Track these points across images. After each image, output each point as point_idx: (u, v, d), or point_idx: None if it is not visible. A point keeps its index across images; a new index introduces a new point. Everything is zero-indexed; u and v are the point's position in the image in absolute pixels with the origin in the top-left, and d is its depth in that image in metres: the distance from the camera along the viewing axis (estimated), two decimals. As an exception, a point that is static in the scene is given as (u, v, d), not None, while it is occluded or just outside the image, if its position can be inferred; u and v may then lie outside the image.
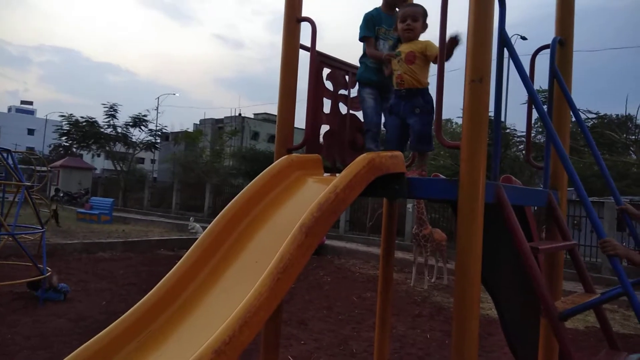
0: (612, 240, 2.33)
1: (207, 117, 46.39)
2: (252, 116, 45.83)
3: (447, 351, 5.78)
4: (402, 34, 2.84)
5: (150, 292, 2.03)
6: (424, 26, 2.81)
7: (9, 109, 71.84)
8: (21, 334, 5.51)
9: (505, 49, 2.43)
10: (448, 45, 2.35)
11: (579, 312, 2.29)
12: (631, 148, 16.55)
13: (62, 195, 26.49)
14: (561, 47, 3.02)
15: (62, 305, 6.83)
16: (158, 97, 64.50)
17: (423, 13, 2.81)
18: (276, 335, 2.82)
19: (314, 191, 2.40)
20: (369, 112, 3.06)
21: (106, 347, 1.83)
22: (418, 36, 2.81)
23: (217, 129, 40.47)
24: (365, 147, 3.08)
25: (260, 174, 2.52)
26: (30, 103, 77.36)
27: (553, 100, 2.92)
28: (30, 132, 64.06)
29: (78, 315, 6.37)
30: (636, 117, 15.13)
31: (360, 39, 3.13)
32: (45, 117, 56.86)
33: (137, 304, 1.99)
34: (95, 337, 1.86)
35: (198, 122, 45.39)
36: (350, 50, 3.26)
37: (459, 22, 2.37)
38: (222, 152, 28.36)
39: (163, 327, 1.93)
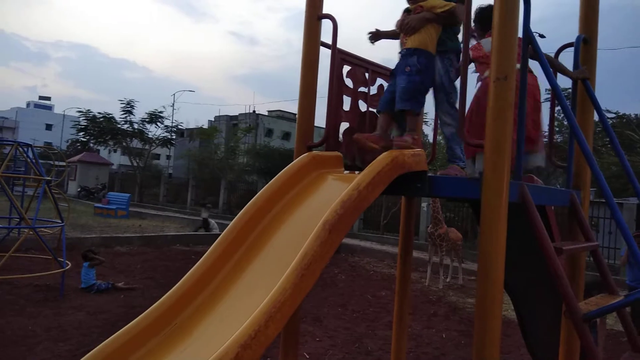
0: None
1: (221, 113, 46.65)
2: (266, 113, 45.95)
3: (463, 351, 5.75)
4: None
5: (175, 286, 2.06)
6: None
7: (28, 104, 72.83)
8: (41, 325, 5.61)
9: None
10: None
11: (603, 314, 2.27)
12: (651, 148, 16.27)
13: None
14: (585, 45, 2.98)
15: (81, 298, 6.94)
16: (174, 94, 64.91)
17: None
18: (295, 331, 2.84)
19: (335, 189, 2.41)
20: None
21: (133, 340, 1.86)
22: None
23: (232, 125, 40.64)
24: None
25: (282, 171, 2.53)
26: (48, 99, 78.25)
27: (577, 100, 2.89)
28: (48, 127, 64.88)
29: (97, 308, 6.47)
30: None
31: None
32: (63, 113, 57.57)
33: (162, 298, 2.02)
34: (121, 329, 1.89)
35: (213, 119, 45.64)
36: (365, 44, 3.25)
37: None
38: (237, 148, 28.46)
39: (187, 321, 1.96)
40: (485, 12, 3.11)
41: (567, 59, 3.09)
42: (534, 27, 2.38)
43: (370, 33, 3.07)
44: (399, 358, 3.62)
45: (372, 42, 3.15)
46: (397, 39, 2.96)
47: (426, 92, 2.79)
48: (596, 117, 3.07)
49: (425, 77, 2.73)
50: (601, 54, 3.11)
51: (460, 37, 2.91)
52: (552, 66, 2.63)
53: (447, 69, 2.85)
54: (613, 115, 17.76)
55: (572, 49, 2.99)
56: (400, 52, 2.87)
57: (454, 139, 2.83)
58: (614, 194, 2.53)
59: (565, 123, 15.53)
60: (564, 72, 2.93)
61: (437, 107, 2.90)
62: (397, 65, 2.87)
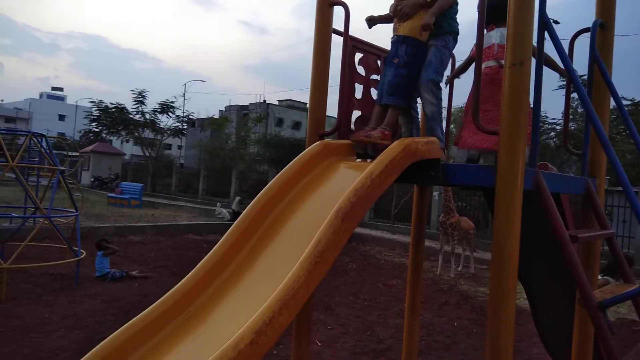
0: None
1: (232, 103, 46.74)
2: (276, 103, 45.94)
3: (475, 339, 5.75)
4: None
5: (189, 274, 2.07)
6: None
7: (41, 95, 73.48)
8: (57, 313, 5.71)
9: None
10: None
11: (618, 302, 2.25)
12: (667, 136, 15.99)
13: (94, 180, 27.08)
14: (602, 30, 2.92)
15: (95, 286, 7.04)
16: (185, 84, 65.38)
17: None
18: (308, 319, 2.86)
19: (347, 177, 2.40)
20: None
21: (147, 327, 1.88)
22: None
23: (243, 115, 40.70)
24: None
25: (294, 159, 2.53)
26: (61, 89, 78.94)
27: (593, 86, 2.84)
28: (61, 117, 65.45)
29: (111, 296, 6.56)
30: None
31: None
32: (75, 103, 58.02)
33: (176, 286, 2.03)
34: (136, 317, 1.91)
35: (224, 109, 45.72)
36: (374, 32, 3.21)
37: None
38: (247, 138, 28.52)
39: (201, 309, 1.98)
40: (489, 3, 3.03)
41: (583, 45, 3.04)
42: (551, 12, 2.34)
43: (367, 18, 3.05)
44: (410, 346, 3.63)
45: (370, 27, 3.10)
46: (392, 22, 2.94)
47: (414, 85, 2.74)
48: (612, 104, 3.02)
49: (413, 69, 2.70)
50: (616, 40, 3.04)
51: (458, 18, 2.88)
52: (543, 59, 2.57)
53: (440, 49, 2.77)
54: (628, 102, 17.47)
55: (588, 34, 2.93)
56: (392, 39, 2.85)
57: (435, 119, 2.78)
58: (630, 182, 2.50)
59: (580, 110, 15.32)
60: (555, 68, 2.90)
61: (422, 84, 2.78)
62: (389, 53, 2.86)
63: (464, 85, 3.19)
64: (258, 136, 30.30)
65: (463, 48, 3.15)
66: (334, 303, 6.99)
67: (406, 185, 13.20)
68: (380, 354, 5.15)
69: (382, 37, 3.28)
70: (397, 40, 2.77)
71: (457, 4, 2.83)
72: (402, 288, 7.61)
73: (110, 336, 1.83)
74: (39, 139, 8.59)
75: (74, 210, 7.92)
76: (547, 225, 2.22)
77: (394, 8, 2.84)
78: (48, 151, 8.30)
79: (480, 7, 2.37)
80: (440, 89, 2.81)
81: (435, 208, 14.68)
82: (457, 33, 2.86)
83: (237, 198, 15.67)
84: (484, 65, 2.91)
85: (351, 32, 2.98)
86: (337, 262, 10.20)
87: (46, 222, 7.33)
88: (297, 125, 42.12)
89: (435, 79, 2.76)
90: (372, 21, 3.00)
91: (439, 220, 10.34)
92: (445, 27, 2.78)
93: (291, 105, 45.70)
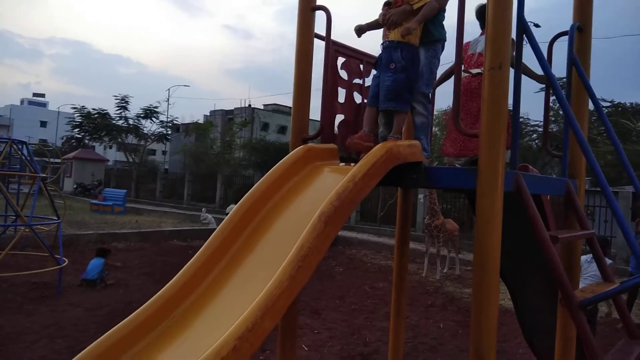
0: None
1: (217, 108, 46.52)
2: (261, 107, 45.79)
3: (460, 340, 5.79)
4: None
5: (172, 280, 2.05)
6: None
7: (22, 102, 72.32)
8: (39, 322, 5.61)
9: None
10: None
11: (598, 301, 2.29)
12: (646, 137, 16.33)
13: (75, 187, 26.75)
14: (580, 33, 2.97)
15: (78, 295, 6.93)
16: (169, 89, 65.10)
17: None
18: (294, 324, 2.85)
19: (331, 181, 2.41)
20: None
21: (129, 334, 1.86)
22: None
23: (227, 120, 40.49)
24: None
25: (277, 163, 2.52)
26: (43, 95, 77.75)
27: (572, 88, 2.89)
28: (43, 124, 64.45)
29: (94, 304, 6.46)
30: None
31: None
32: (57, 110, 57.17)
33: (159, 292, 2.01)
34: (118, 324, 1.88)
35: (208, 114, 45.46)
36: (362, 39, 3.20)
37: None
38: (233, 143, 28.40)
39: (185, 315, 1.96)
40: (483, 8, 3.08)
41: (562, 48, 3.09)
42: (538, 14, 2.38)
43: (356, 28, 3.05)
44: (396, 349, 3.64)
45: (359, 36, 3.09)
46: (381, 28, 2.94)
47: (413, 88, 2.74)
48: (591, 106, 3.07)
49: (411, 73, 2.69)
50: (601, 43, 3.10)
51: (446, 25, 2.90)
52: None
53: (431, 60, 2.79)
54: (608, 104, 17.78)
55: (566, 37, 2.98)
56: (382, 44, 2.83)
57: (423, 130, 2.80)
58: (609, 183, 2.54)
59: (561, 112, 15.56)
60: (529, 74, 2.95)
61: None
62: (381, 57, 2.83)
63: (448, 89, 3.21)
64: (243, 141, 30.19)
65: (447, 53, 3.17)
66: (321, 307, 6.98)
67: (392, 187, 13.26)
68: (367, 357, 5.15)
69: (364, 42, 3.29)
70: (390, 46, 2.72)
71: (444, 10, 2.83)
72: (389, 291, 7.60)
73: (92, 344, 1.80)
74: (20, 146, 8.46)
75: (56, 218, 7.80)
76: (529, 225, 2.25)
77: (382, 17, 2.84)
78: (29, 158, 8.17)
79: (460, 18, 2.38)
80: (429, 101, 2.83)
81: (421, 210, 14.77)
82: (445, 40, 2.87)
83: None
84: (463, 73, 2.95)
85: (333, 37, 2.98)
86: (323, 265, 10.18)
87: (27, 230, 7.20)
88: (282, 130, 42.05)
89: (425, 92, 2.78)
90: (361, 30, 2.98)
91: (424, 222, 10.40)
92: (435, 34, 2.79)
93: (276, 109, 45.61)
